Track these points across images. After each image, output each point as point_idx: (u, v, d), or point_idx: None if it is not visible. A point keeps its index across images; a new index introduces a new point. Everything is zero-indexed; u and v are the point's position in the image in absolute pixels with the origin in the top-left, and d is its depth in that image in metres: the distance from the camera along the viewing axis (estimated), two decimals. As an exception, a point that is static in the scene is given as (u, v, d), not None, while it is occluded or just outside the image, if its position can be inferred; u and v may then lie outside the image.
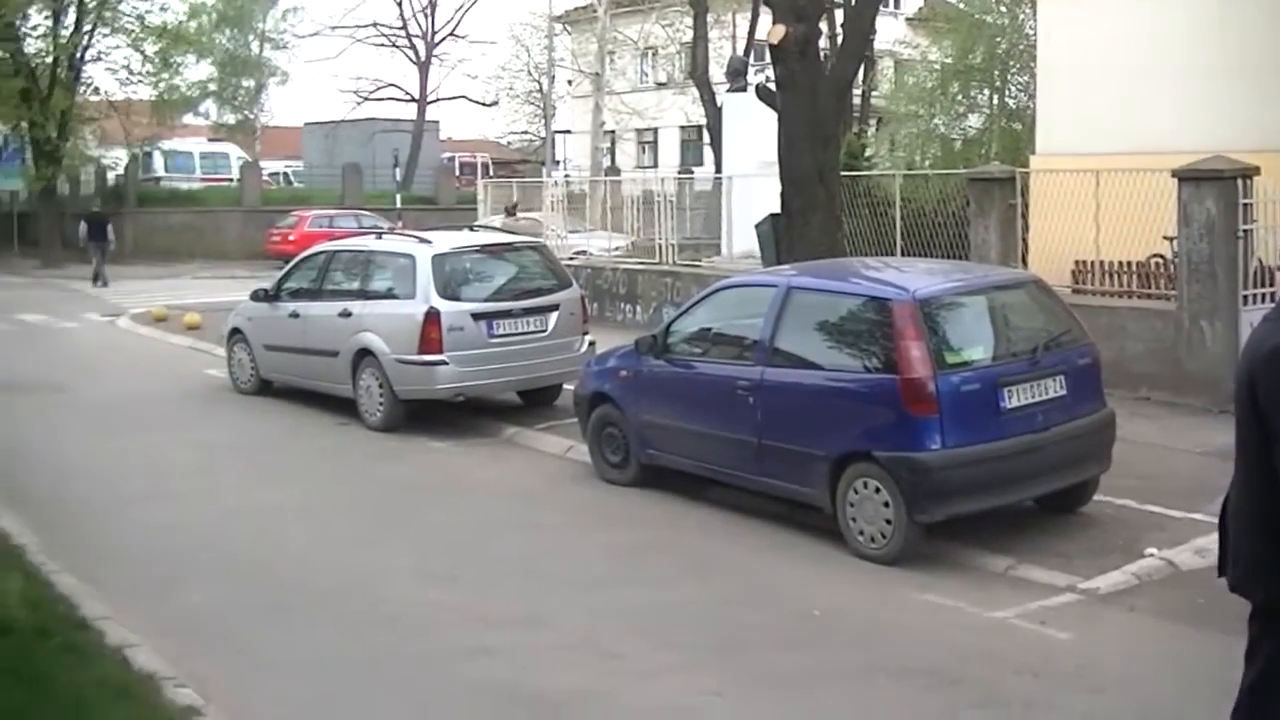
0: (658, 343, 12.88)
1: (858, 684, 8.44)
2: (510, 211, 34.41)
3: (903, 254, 20.25)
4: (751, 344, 12.00)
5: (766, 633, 9.38)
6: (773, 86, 17.21)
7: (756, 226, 22.38)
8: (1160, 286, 19.18)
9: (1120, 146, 19.71)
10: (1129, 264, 19.63)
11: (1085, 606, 9.88)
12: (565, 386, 16.85)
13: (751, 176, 25.28)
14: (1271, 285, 16.54)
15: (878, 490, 10.78)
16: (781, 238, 17.58)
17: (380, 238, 18.84)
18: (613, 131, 59.45)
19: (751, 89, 28.32)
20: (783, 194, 16.91)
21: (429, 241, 16.91)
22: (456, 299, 16.01)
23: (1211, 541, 10.45)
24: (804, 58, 16.22)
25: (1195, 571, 10.51)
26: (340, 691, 8.42)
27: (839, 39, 23.82)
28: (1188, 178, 16.20)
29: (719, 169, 32.22)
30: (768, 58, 18.12)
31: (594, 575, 10.76)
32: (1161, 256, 20.68)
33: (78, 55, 49.42)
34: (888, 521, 10.75)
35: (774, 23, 16.38)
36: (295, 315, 17.74)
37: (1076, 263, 18.83)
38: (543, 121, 65.58)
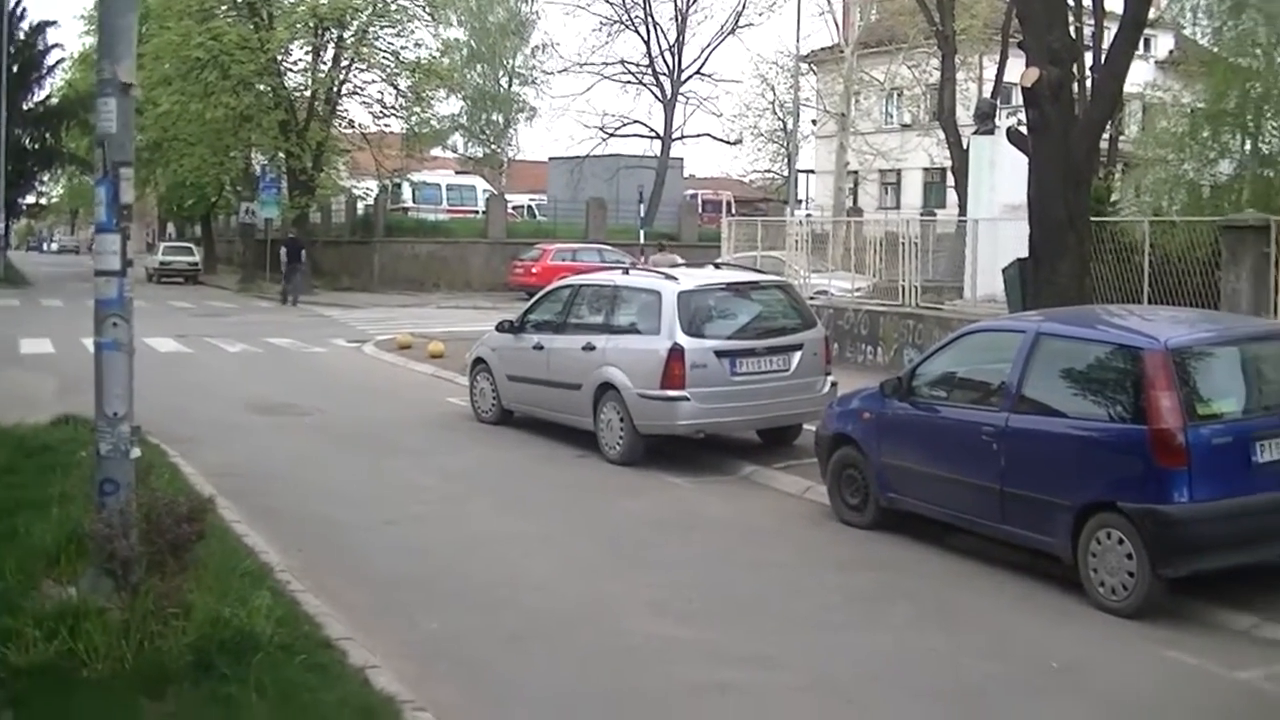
0: (902, 385, 12.86)
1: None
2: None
3: (1149, 302, 19.86)
4: (997, 389, 11.92)
5: (1005, 684, 9.29)
6: (1024, 129, 17.07)
7: (1004, 271, 22.09)
8: None
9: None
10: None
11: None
12: (806, 427, 16.91)
13: (997, 220, 25.05)
14: None
15: (1121, 542, 10.61)
16: (1029, 283, 17.36)
17: (627, 273, 19.05)
18: (856, 172, 59.32)
19: (1000, 132, 28.10)
20: (1031, 238, 16.73)
21: (675, 278, 17.08)
22: (701, 335, 16.14)
23: None
24: (1057, 101, 16.04)
25: None
26: (575, 721, 8.56)
27: (1092, 82, 23.37)
28: None
29: (963, 211, 31.91)
30: (1017, 100, 17.97)
31: (830, 617, 10.76)
32: None
33: (334, 89, 51.18)
34: (1130, 574, 10.57)
35: (1027, 65, 16.24)
36: (539, 347, 18.06)
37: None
38: (785, 160, 65.75)
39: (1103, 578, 10.77)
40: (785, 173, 65.01)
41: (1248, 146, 31.21)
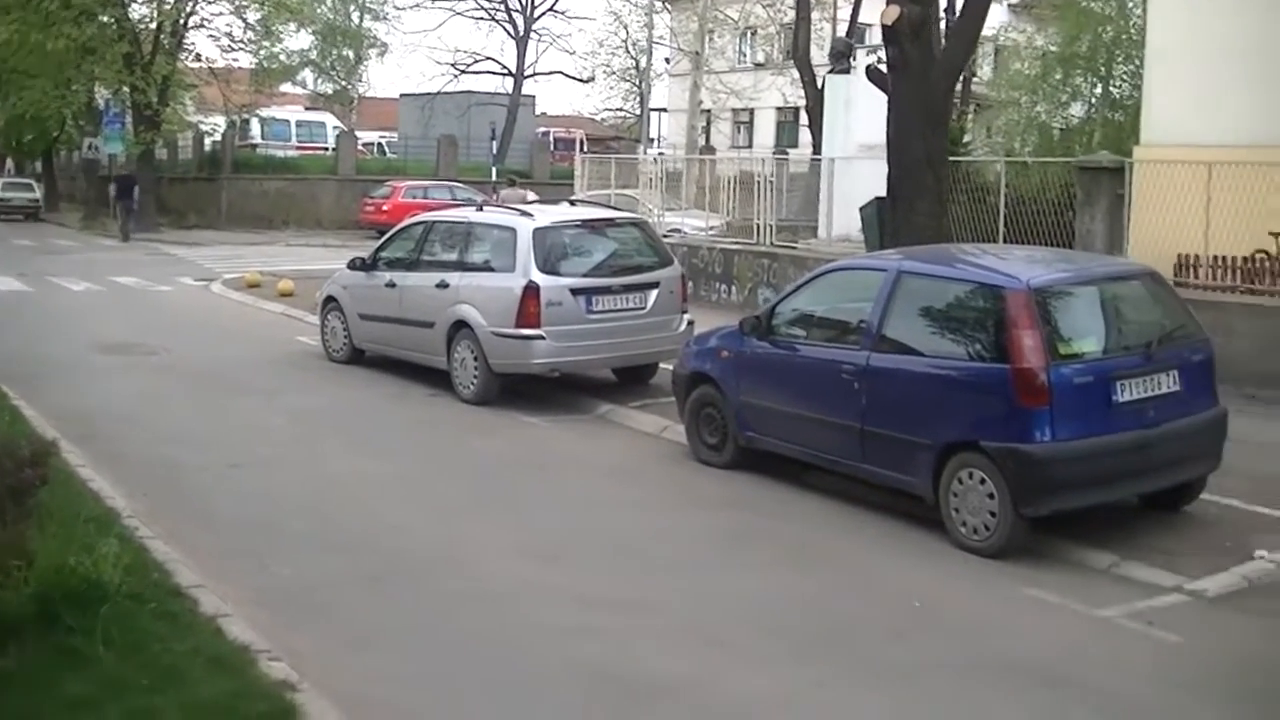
0: (762, 323, 12.72)
1: (962, 679, 8.26)
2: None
3: (1004, 242, 19.99)
4: (858, 328, 11.83)
5: (869, 623, 9.24)
6: (884, 68, 17.00)
7: (861, 210, 22.16)
8: (1266, 282, 18.87)
9: (1235, 138, 19.33)
10: (1233, 259, 19.32)
11: (1193, 608, 9.66)
12: (662, 365, 16.78)
13: (852, 159, 25.07)
14: (1391, 285, 16.18)
15: (983, 481, 10.58)
16: (886, 222, 17.37)
17: (481, 209, 18.73)
18: (709, 111, 59.21)
19: (856, 71, 28.16)
20: (890, 178, 16.71)
21: (531, 215, 16.81)
22: (556, 273, 15.91)
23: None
24: (918, 40, 16.00)
25: (1311, 577, 10.31)
26: (437, 668, 8.32)
27: (951, 21, 23.40)
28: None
29: (817, 151, 31.95)
30: (872, 40, 17.91)
31: (694, 559, 10.64)
32: (1266, 252, 20.35)
33: (181, 22, 49.86)
34: (992, 514, 10.55)
35: (888, 3, 16.16)
36: (392, 285, 17.72)
37: (1180, 256, 18.49)
38: (638, 99, 65.49)
39: (965, 517, 10.74)
40: (638, 111, 64.79)
41: (1099, 90, 31.62)
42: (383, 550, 10.56)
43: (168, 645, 7.61)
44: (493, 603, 9.41)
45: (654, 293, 16.43)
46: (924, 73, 16.16)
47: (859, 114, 27.08)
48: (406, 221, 19.39)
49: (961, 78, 35.06)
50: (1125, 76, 30.86)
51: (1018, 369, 10.38)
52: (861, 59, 29.72)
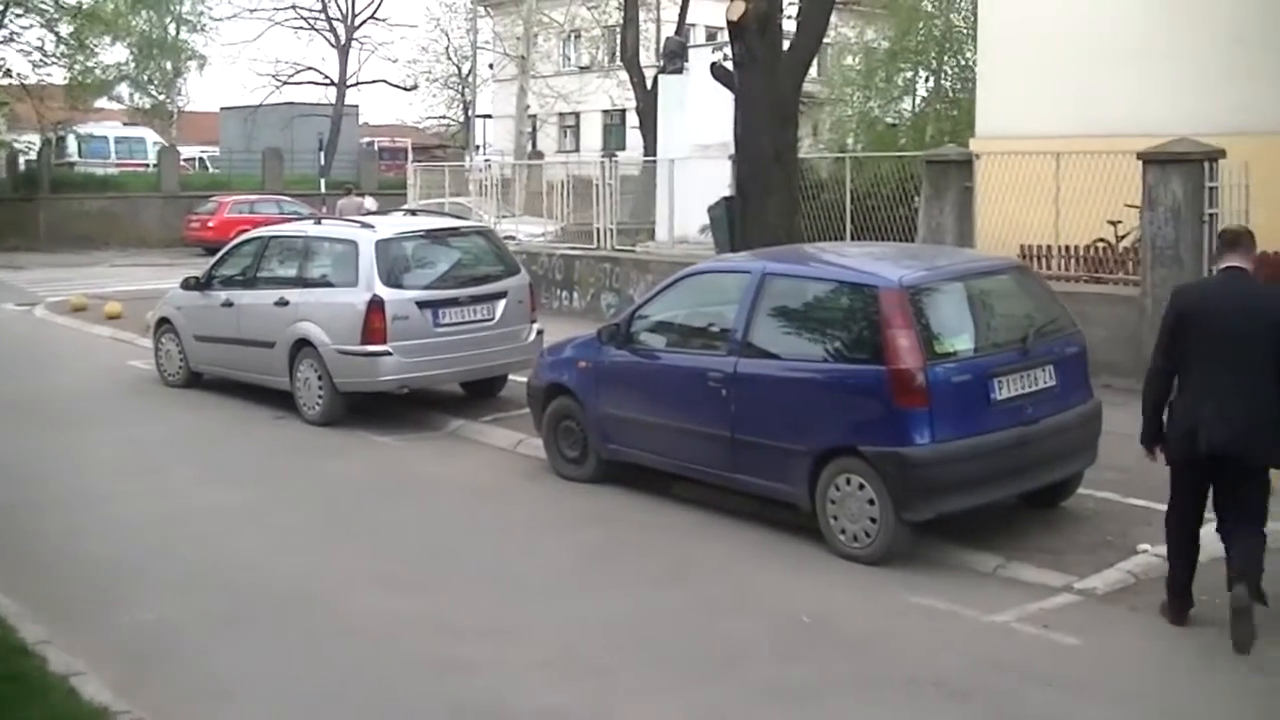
0: (621, 331, 12.29)
1: (866, 697, 7.90)
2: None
3: (851, 239, 19.84)
4: (724, 333, 11.44)
5: (758, 642, 8.81)
6: (729, 65, 16.68)
7: (709, 209, 21.82)
8: (1107, 271, 18.94)
9: (1069, 129, 19.41)
10: (1077, 249, 19.36)
11: (1086, 608, 9.42)
12: (511, 377, 16.28)
13: (690, 160, 24.78)
14: (1236, 270, 16.18)
15: (862, 487, 10.26)
16: (736, 221, 17.04)
17: (319, 223, 18.08)
18: (535, 115, 58.72)
19: (688, 71, 27.89)
20: (739, 176, 16.42)
21: (372, 226, 16.21)
22: (401, 286, 15.33)
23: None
24: (764, 35, 15.69)
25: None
26: (307, 717, 7.79)
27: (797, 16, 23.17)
28: (1153, 160, 15.87)
29: (649, 153, 31.68)
30: (699, 39, 17.60)
31: (565, 580, 10.16)
32: (1106, 241, 20.44)
33: (-12, 36, 48.16)
34: (872, 520, 10.23)
35: (733, -1, 15.84)
36: (229, 304, 16.99)
37: (1022, 247, 18.43)
38: (462, 106, 64.82)
39: (844, 525, 10.41)
40: (462, 118, 64.11)
41: (930, 84, 31.74)
42: (239, 588, 9.93)
43: (16, 714, 6.96)
44: (359, 639, 8.86)
45: (502, 303, 15.94)
46: (771, 69, 15.86)
47: (693, 114, 26.87)
48: (241, 238, 18.60)
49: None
50: (956, 70, 31.01)
51: (894, 370, 10.06)
52: (694, 58, 29.47)
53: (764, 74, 15.78)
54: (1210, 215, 15.68)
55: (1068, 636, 8.81)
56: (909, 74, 32.12)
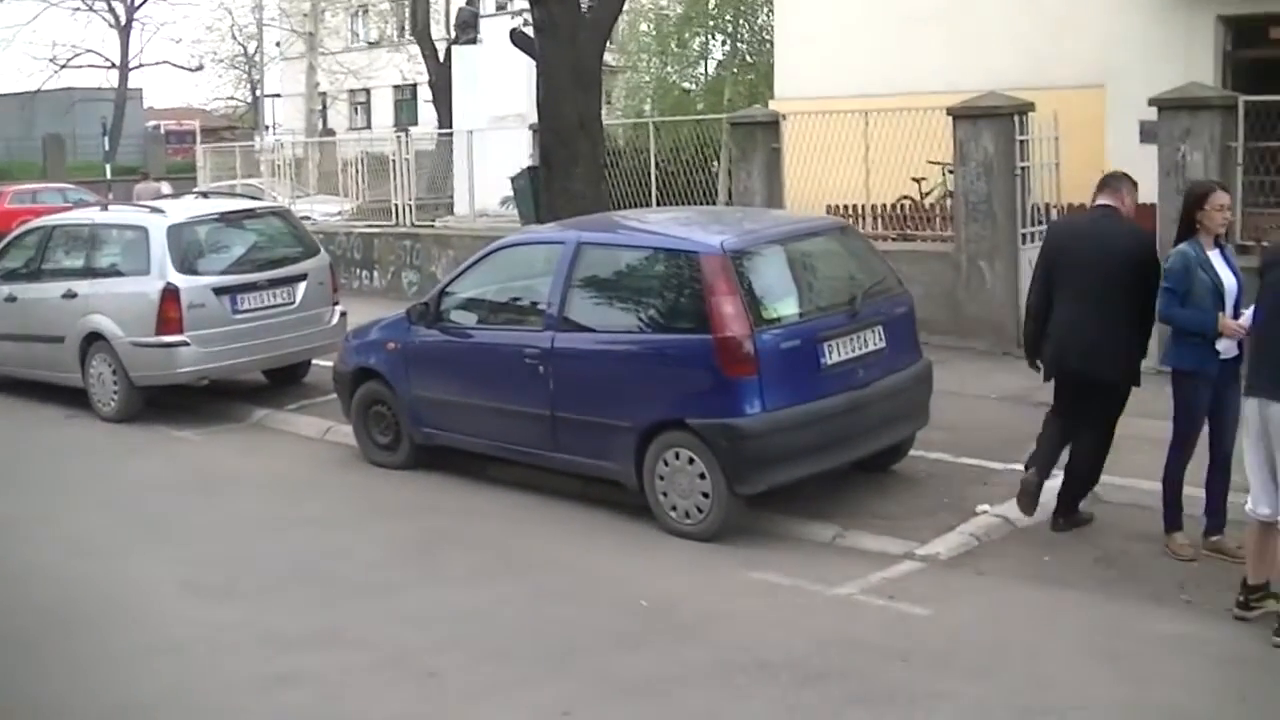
0: (430, 310, 11.71)
1: (718, 686, 7.43)
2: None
3: (657, 205, 19.47)
4: (539, 308, 10.94)
5: (596, 632, 8.34)
6: (530, 31, 16.14)
7: (513, 180, 21.28)
8: (913, 228, 18.89)
9: (875, 89, 19.26)
10: (884, 207, 19.29)
11: (930, 575, 9.14)
12: (316, 362, 15.62)
13: (487, 131, 24.23)
14: (1047, 223, 16.15)
15: (692, 461, 9.86)
16: (541, 191, 16.52)
17: (106, 209, 17.15)
18: (325, 93, 57.54)
19: (482, 42, 27.30)
20: (543, 144, 15.92)
21: (162, 211, 15.37)
22: (196, 272, 14.54)
23: (1045, 495, 10.01)
24: (564, 1, 15.18)
25: (1032, 527, 9.98)
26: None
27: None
28: (964, 115, 15.69)
29: (443, 126, 31.00)
30: (502, 8, 17.07)
31: (387, 576, 9.58)
32: (910, 198, 20.42)
33: None
34: (704, 495, 9.84)
35: (532, -37, 15.31)
36: (11, 299, 16.00)
37: (828, 208, 18.22)
38: (249, 86, 63.34)
39: (674, 501, 10.01)
40: (250, 99, 62.65)
41: (727, 48, 31.52)
42: (36, 606, 9.16)
43: None
44: (174, 656, 8.20)
45: (302, 285, 15.25)
46: (572, 35, 15.35)
47: (488, 85, 26.31)
48: (21, 229, 17.54)
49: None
50: (751, 33, 30.82)
51: (721, 339, 9.65)
52: (486, 29, 28.87)
53: (565, 40, 15.27)
54: (1022, 169, 15.58)
55: (916, 607, 8.50)
56: (704, 39, 31.85)
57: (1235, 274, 8.76)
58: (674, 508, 10.01)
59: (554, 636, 8.29)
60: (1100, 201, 9.53)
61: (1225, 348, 8.65)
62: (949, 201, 19.61)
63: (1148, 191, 15.22)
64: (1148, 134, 16.14)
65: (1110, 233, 9.22)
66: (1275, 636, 7.71)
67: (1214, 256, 8.84)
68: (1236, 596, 8.12)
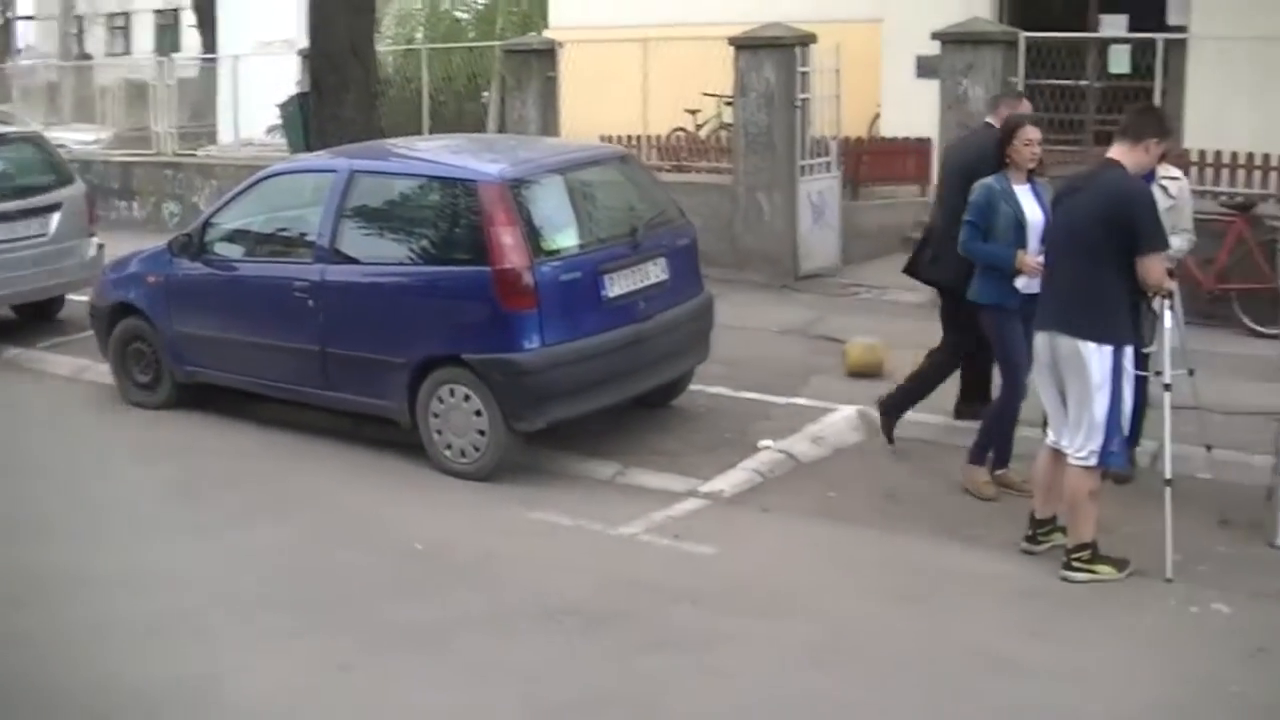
0: (194, 242, 11.13)
1: (500, 632, 7.13)
2: None
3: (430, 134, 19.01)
4: (309, 239, 10.44)
5: (372, 577, 7.97)
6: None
7: (281, 107, 20.58)
8: (687, 160, 18.78)
9: (655, 18, 19.01)
10: (660, 138, 19.13)
11: (714, 513, 8.96)
12: (70, 297, 14.87)
13: (252, 56, 23.47)
14: (827, 156, 16.09)
15: (468, 398, 9.52)
16: (311, 118, 15.95)
17: None
18: (81, 16, 55.38)
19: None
20: (313, 70, 15.40)
21: (-107, 137, 14.48)
22: (-66, 203, 13.69)
23: (823, 428, 9.93)
24: (331, -80, 14.66)
25: (816, 463, 9.92)
26: None
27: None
28: (745, 46, 15.49)
29: (207, 52, 29.96)
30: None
31: (149, 522, 9.09)
32: (684, 130, 20.29)
33: None
34: (481, 433, 9.53)
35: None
36: None
37: (602, 138, 17.96)
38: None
39: (450, 439, 9.67)
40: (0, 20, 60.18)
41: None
42: None
43: None
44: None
45: (56, 216, 14.45)
46: (343, -45, 14.83)
47: (255, 9, 25.53)
48: None
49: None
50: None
51: (499, 271, 9.30)
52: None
53: (336, -39, 14.75)
54: (802, 100, 15.46)
55: (701, 546, 8.32)
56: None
57: (1044, 209, 8.57)
58: (449, 446, 9.68)
59: (328, 583, 7.91)
60: (987, 119, 9.81)
61: (1024, 283, 8.50)
62: (723, 134, 19.56)
63: (928, 124, 15.39)
64: (925, 69, 16.19)
65: (985, 148, 9.04)
66: (1064, 570, 7.69)
67: (1022, 191, 8.74)
68: (1025, 531, 8.08)
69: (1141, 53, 15.34)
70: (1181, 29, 16.07)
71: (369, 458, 10.24)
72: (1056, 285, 7.72)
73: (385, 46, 25.39)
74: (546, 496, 9.24)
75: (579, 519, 8.77)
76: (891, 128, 19.15)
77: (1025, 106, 9.66)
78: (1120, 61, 16.16)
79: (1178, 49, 15.39)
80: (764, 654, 6.82)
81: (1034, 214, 8.64)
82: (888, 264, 17.11)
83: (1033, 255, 8.47)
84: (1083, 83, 16.50)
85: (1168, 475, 7.78)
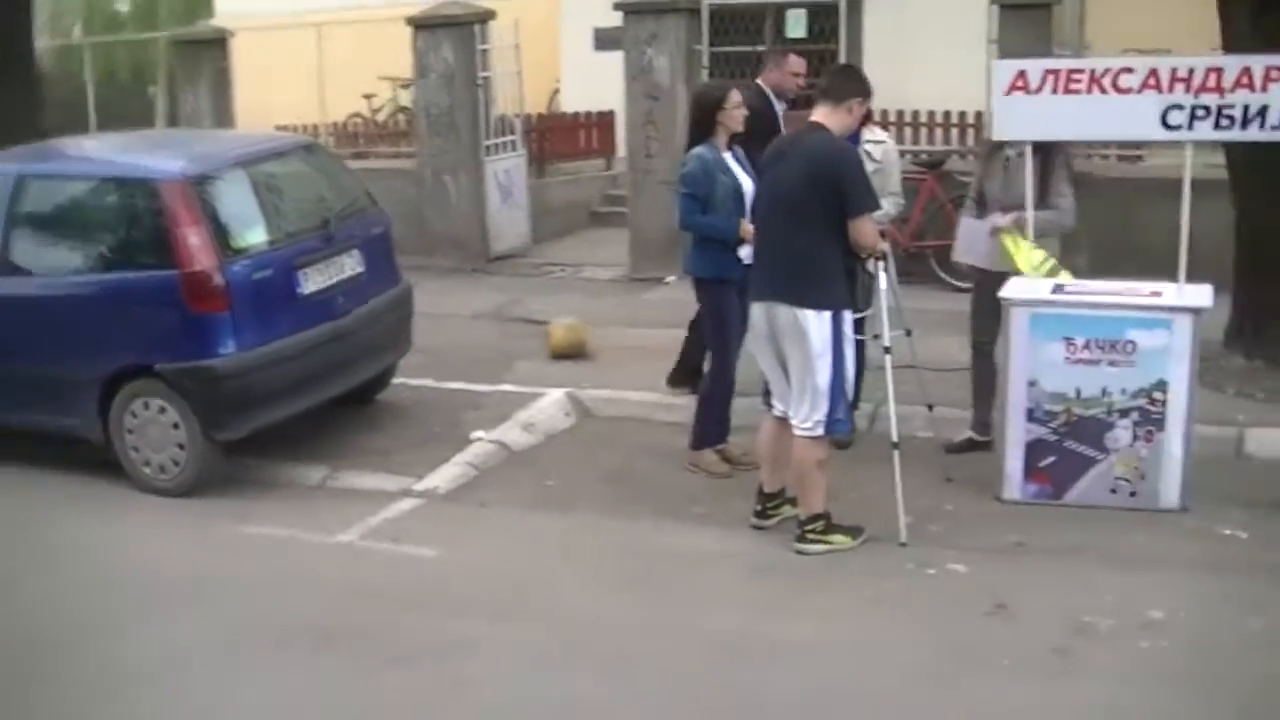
0: None
1: (227, 660, 6.66)
2: None
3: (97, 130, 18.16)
4: (-27, 250, 9.71)
5: (77, 614, 7.30)
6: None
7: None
8: (367, 145, 18.47)
9: (318, 3, 18.51)
10: (337, 125, 18.76)
11: (432, 511, 8.68)
12: None
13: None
14: (512, 134, 15.88)
15: (163, 410, 9.01)
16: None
17: None
18: None
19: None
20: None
21: None
22: None
23: (534, 414, 9.74)
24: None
25: (530, 450, 9.74)
26: None
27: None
28: (424, 25, 15.13)
29: None
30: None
31: None
32: (361, 115, 19.96)
33: None
34: (180, 446, 9.03)
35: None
36: None
37: (278, 127, 17.45)
38: None
39: (148, 455, 9.14)
40: None
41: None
42: None
43: None
44: None
45: None
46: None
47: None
48: None
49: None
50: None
51: (186, 273, 8.77)
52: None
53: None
54: (484, 79, 15.20)
55: (423, 548, 8.01)
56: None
57: (751, 176, 8.51)
58: (148, 463, 9.15)
59: (27, 626, 7.28)
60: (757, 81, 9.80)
61: (747, 254, 8.28)
62: (401, 117, 19.23)
63: (613, 98, 15.30)
64: (604, 41, 16.11)
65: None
66: (797, 543, 7.62)
67: (729, 159, 8.66)
68: (754, 506, 8.00)
69: (815, 16, 15.54)
70: (857, -9, 16.31)
71: (65, 482, 9.48)
72: (769, 254, 7.61)
73: (43, 43, 24.30)
74: (258, 508, 8.79)
75: (294, 529, 8.36)
76: (572, 102, 19.07)
77: (792, 63, 9.67)
78: (797, 26, 16.31)
79: (854, 13, 15.59)
80: (506, 658, 6.54)
81: (746, 181, 8.56)
82: (578, 240, 17.13)
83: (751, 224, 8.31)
84: (760, 48, 16.61)
85: (894, 438, 7.79)
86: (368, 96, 20.16)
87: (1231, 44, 10.25)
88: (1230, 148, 10.32)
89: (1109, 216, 12.92)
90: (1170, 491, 8.09)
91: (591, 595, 7.27)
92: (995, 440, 8.56)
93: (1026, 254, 8.47)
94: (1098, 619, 6.69)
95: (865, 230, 7.41)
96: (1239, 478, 8.67)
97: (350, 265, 9.74)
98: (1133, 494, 8.13)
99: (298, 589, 7.52)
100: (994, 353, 8.60)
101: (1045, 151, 8.62)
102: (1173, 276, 8.37)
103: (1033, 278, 8.41)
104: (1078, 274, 8.79)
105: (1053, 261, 8.55)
